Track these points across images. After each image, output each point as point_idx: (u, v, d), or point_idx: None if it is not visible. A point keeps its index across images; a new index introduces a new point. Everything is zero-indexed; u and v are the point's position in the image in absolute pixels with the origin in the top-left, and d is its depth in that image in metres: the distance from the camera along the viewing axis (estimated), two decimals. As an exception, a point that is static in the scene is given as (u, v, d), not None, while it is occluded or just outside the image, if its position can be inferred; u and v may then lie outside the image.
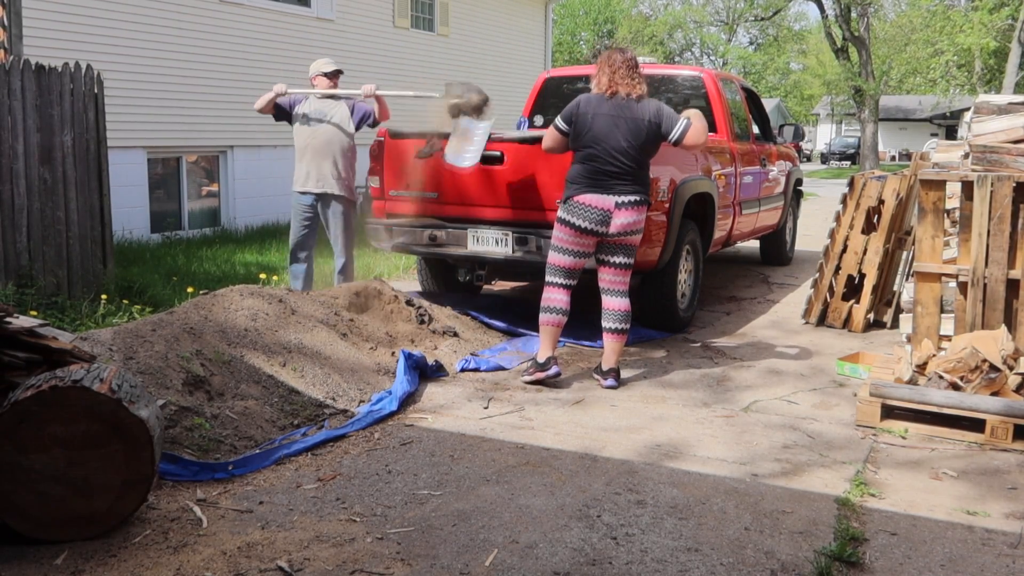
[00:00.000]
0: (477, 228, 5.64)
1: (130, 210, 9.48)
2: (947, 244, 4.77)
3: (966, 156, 4.93)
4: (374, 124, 6.27)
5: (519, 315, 6.26)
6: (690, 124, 4.72)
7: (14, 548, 2.85)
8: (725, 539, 3.04)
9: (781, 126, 8.68)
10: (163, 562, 2.80)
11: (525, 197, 5.53)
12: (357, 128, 6.28)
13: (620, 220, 4.69)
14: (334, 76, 6.30)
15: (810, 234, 11.24)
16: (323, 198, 6.27)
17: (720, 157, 6.66)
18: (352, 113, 6.23)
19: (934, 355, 4.45)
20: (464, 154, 5.38)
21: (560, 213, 4.78)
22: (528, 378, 4.84)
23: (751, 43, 56.36)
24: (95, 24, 9.22)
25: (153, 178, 10.23)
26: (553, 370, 4.85)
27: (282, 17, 11.61)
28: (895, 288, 6.50)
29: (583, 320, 5.66)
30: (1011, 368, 4.20)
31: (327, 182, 6.21)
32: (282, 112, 6.33)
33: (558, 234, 4.81)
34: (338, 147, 6.20)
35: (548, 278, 4.89)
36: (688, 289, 6.27)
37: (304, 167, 6.25)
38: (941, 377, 4.22)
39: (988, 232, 4.50)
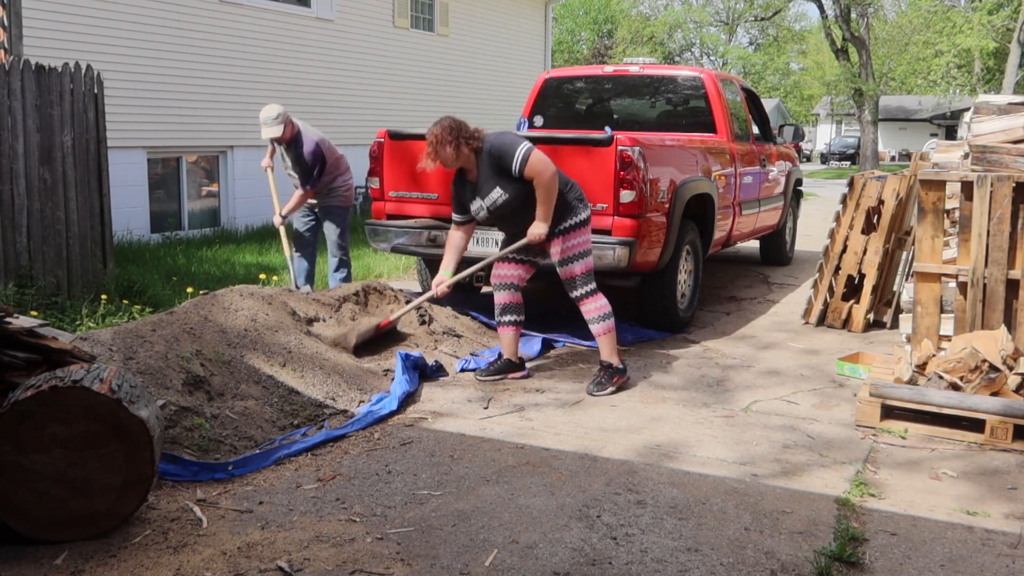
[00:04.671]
0: (477, 229, 5.64)
1: (130, 210, 9.48)
2: (947, 244, 4.77)
3: (966, 156, 4.93)
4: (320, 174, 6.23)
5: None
6: None
7: (14, 548, 2.85)
8: (725, 539, 3.04)
9: (781, 126, 8.68)
10: (163, 562, 2.80)
11: None
12: (316, 175, 6.21)
13: None
14: (273, 143, 6.30)
15: (810, 234, 11.24)
16: (318, 206, 6.45)
17: (720, 158, 6.66)
18: (309, 162, 6.15)
19: (934, 355, 4.45)
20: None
21: (587, 214, 4.74)
22: (614, 390, 4.72)
23: (751, 43, 56.37)
24: (95, 24, 9.21)
25: (153, 178, 10.23)
26: (628, 373, 4.93)
27: (282, 17, 11.61)
28: (895, 288, 6.50)
29: (581, 320, 5.65)
30: (1011, 368, 4.20)
31: (319, 198, 6.38)
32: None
33: (588, 236, 4.77)
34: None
35: (596, 285, 4.80)
36: (688, 289, 6.27)
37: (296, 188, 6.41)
38: (941, 377, 4.22)
39: (988, 232, 4.50)
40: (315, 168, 6.14)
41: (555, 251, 4.75)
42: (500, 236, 5.55)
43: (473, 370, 5.05)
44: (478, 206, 4.71)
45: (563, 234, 4.70)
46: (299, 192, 6.27)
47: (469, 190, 4.72)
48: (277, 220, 6.39)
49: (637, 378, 5.04)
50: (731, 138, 7.08)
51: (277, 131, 6.04)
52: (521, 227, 4.75)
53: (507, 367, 4.97)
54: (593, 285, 4.79)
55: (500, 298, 4.95)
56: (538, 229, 4.61)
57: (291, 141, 6.14)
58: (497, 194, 4.61)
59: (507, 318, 4.95)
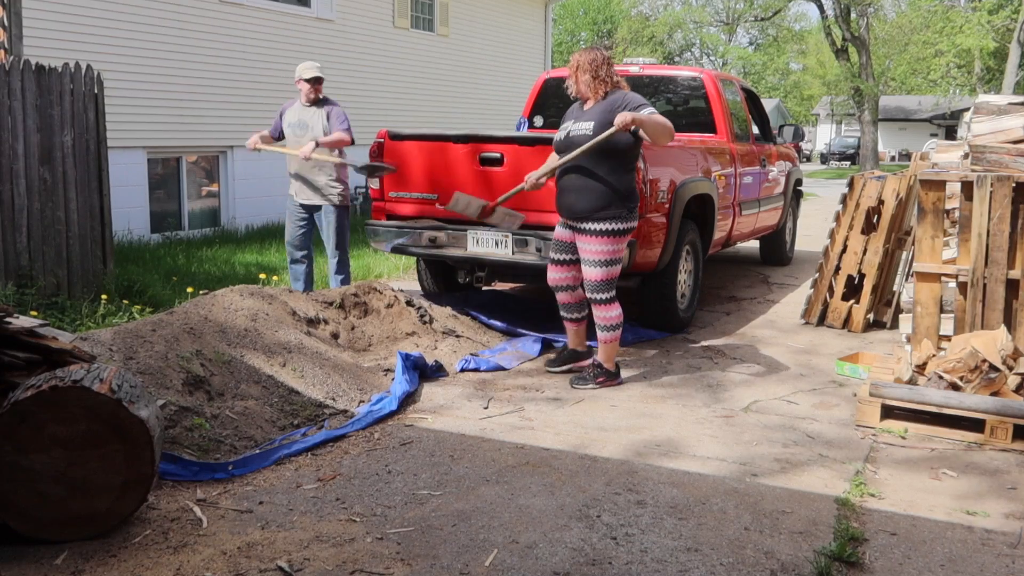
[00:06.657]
0: (477, 230, 5.64)
1: (130, 210, 9.48)
2: (947, 244, 4.78)
3: (966, 156, 4.93)
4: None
5: (519, 315, 6.27)
6: None
7: (14, 548, 2.85)
8: (725, 539, 3.04)
9: (781, 126, 8.68)
10: (163, 562, 2.81)
11: (525, 199, 5.53)
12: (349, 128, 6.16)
13: None
14: (315, 83, 6.19)
15: (810, 234, 11.24)
16: (314, 207, 6.32)
17: (720, 158, 6.66)
18: (329, 120, 6.13)
19: (934, 355, 4.45)
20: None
21: (632, 224, 4.74)
22: (594, 387, 4.81)
23: (751, 43, 56.34)
24: (95, 24, 9.21)
25: (153, 178, 10.22)
26: (621, 378, 4.97)
27: (282, 17, 11.61)
28: (895, 288, 6.50)
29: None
30: (1010, 368, 4.20)
31: (316, 194, 6.24)
32: (278, 134, 6.39)
33: (622, 247, 4.78)
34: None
35: (614, 295, 4.81)
36: (688, 289, 6.28)
37: (293, 178, 6.30)
38: (941, 377, 4.22)
39: (988, 232, 4.50)
40: (347, 122, 6.14)
41: (580, 248, 4.79)
42: (500, 236, 5.56)
43: (473, 370, 5.06)
44: (565, 129, 4.79)
45: (589, 234, 4.71)
46: (341, 138, 6.12)
47: (573, 116, 4.83)
48: (308, 149, 5.99)
49: (637, 378, 5.04)
50: (731, 138, 7.08)
51: (319, 72, 6.15)
52: (578, 172, 4.70)
53: (572, 357, 5.12)
54: (610, 294, 4.80)
55: (560, 298, 5.07)
56: (626, 116, 4.45)
57: (321, 100, 6.22)
58: (586, 127, 4.66)
59: (567, 315, 5.09)
